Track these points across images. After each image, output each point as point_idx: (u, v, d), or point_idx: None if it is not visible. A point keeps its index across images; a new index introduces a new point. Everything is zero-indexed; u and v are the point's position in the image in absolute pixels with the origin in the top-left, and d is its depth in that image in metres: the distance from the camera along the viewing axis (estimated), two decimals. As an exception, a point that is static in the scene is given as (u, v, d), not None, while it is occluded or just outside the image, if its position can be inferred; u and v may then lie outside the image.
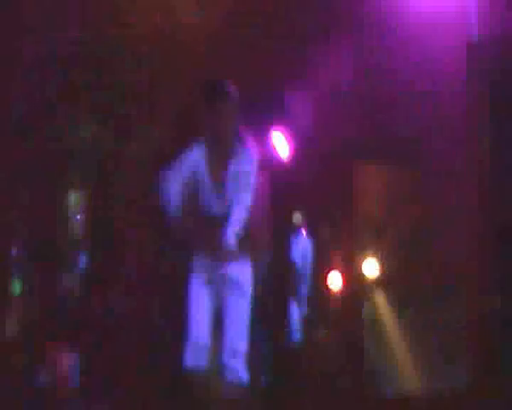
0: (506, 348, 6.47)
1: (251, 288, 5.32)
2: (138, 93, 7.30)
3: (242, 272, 5.30)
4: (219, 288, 5.25)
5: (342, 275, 7.60)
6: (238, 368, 5.15)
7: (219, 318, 5.36)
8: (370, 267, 7.56)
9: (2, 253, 7.10)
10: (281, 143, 7.06)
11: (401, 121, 6.89)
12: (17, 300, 7.60)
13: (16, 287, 7.62)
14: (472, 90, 6.62)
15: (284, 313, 7.51)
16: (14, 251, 7.46)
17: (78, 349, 7.34)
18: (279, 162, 6.53)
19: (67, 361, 7.38)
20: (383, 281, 7.51)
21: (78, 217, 7.89)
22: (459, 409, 6.64)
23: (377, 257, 7.56)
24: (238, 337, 5.20)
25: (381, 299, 7.68)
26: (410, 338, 7.69)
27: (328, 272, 7.91)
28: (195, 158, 5.24)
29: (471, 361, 6.82)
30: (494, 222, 6.59)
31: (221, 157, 5.14)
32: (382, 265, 7.56)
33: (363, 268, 7.55)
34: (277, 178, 6.95)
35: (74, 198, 7.80)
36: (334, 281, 7.87)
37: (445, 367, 7.35)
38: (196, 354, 5.18)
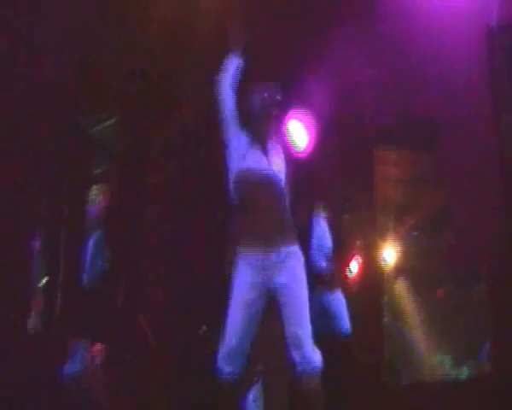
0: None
1: (304, 274, 5.33)
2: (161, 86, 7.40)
3: (295, 259, 5.33)
4: (273, 278, 5.25)
5: (364, 262, 7.65)
6: (311, 356, 5.16)
7: (275, 308, 5.36)
8: (391, 254, 7.64)
9: (23, 247, 7.14)
10: (300, 132, 7.11)
11: (421, 108, 6.95)
12: (39, 293, 7.68)
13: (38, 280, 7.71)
14: (492, 74, 6.68)
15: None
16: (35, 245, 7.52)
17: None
18: (299, 151, 6.57)
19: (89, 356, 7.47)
20: (404, 268, 7.57)
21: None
22: (481, 396, 6.63)
23: (398, 244, 7.63)
24: (303, 325, 5.20)
25: (401, 286, 7.77)
26: (431, 325, 7.75)
27: (350, 260, 7.99)
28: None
29: (493, 348, 6.86)
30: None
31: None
32: (403, 251, 7.63)
33: (384, 255, 7.61)
34: (298, 167, 7.05)
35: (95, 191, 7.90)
36: (356, 268, 7.94)
37: (467, 354, 7.44)
38: (234, 360, 5.22)
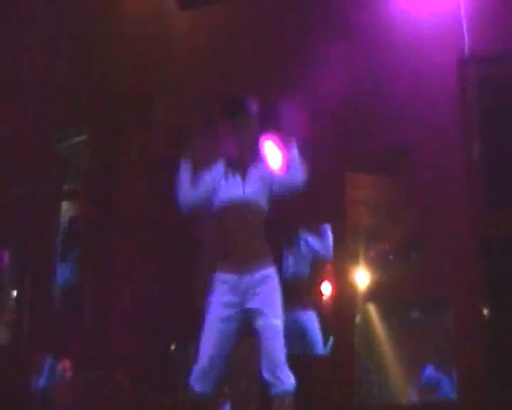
0: (494, 362, 6.57)
1: (280, 296, 5.40)
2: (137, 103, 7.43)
3: (270, 282, 5.38)
4: (246, 302, 5.31)
5: (334, 286, 7.68)
6: (283, 378, 5.22)
7: (251, 329, 5.41)
8: (362, 278, 7.67)
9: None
10: (273, 153, 7.14)
11: (392, 133, 7.01)
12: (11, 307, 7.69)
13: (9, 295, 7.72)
14: (462, 103, 6.76)
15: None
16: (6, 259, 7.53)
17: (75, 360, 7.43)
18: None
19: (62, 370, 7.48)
20: (374, 292, 7.59)
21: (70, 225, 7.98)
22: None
23: (368, 268, 7.66)
24: (277, 348, 5.26)
25: (371, 310, 7.79)
26: (400, 349, 7.77)
27: (320, 283, 8.03)
28: (215, 177, 5.48)
29: (459, 374, 6.90)
30: (483, 235, 6.71)
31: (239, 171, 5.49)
32: (373, 276, 7.65)
33: (354, 279, 7.63)
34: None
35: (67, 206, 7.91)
36: (327, 292, 7.98)
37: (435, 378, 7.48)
38: (205, 379, 5.28)
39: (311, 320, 7.86)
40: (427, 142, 6.89)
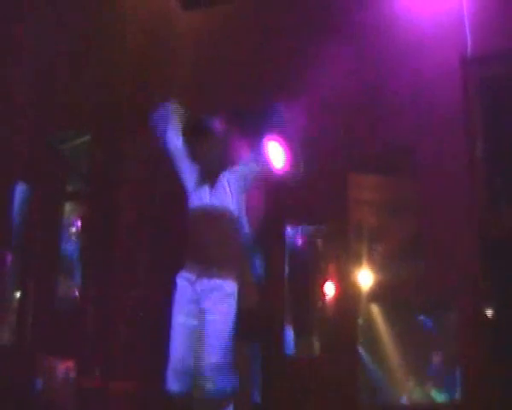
0: (498, 363, 6.55)
1: (233, 307, 5.49)
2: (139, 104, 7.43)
3: (224, 291, 5.48)
4: (201, 301, 5.42)
5: (337, 286, 7.67)
6: (215, 380, 5.29)
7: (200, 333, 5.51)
8: (365, 279, 7.66)
9: None
10: (276, 154, 7.14)
11: (395, 133, 7.00)
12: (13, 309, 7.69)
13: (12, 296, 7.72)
14: (465, 102, 6.76)
15: (279, 325, 7.51)
16: (10, 259, 7.54)
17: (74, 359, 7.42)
18: (274, 173, 6.60)
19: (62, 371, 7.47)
20: (377, 293, 7.58)
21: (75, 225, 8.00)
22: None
23: (371, 269, 7.65)
24: (217, 351, 5.34)
25: (375, 310, 7.80)
26: (403, 350, 7.78)
27: (323, 284, 8.03)
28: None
29: (463, 375, 6.89)
30: (486, 235, 6.70)
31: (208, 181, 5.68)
32: (376, 276, 7.65)
33: (357, 279, 7.62)
34: (272, 189, 7.08)
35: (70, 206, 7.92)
36: (329, 292, 7.97)
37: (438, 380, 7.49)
38: (180, 379, 5.35)
39: None
40: (429, 142, 6.89)
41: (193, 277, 5.47)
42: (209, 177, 5.69)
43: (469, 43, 6.74)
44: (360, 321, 7.62)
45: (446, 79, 6.79)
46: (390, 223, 7.65)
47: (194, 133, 5.81)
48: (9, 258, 7.52)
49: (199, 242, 5.55)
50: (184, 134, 5.86)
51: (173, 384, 5.40)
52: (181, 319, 5.47)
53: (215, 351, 5.36)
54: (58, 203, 7.69)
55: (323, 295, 8.07)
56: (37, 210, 7.44)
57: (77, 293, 7.77)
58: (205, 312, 5.43)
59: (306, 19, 7.35)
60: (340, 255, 7.43)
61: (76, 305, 7.69)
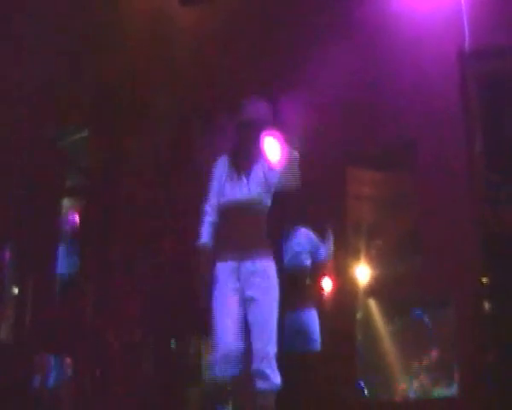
0: (495, 359, 6.56)
1: (277, 289, 5.49)
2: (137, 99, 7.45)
3: (268, 273, 5.47)
4: (245, 289, 5.41)
5: (334, 282, 7.67)
6: (271, 374, 5.28)
7: (246, 321, 5.49)
8: (362, 274, 7.67)
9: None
10: (274, 149, 7.13)
11: (393, 128, 7.01)
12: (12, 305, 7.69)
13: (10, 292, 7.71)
14: (463, 97, 6.76)
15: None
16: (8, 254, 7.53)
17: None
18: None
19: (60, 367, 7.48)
20: (375, 288, 7.59)
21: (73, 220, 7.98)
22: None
23: (369, 264, 7.66)
24: (267, 341, 5.32)
25: (372, 306, 7.79)
26: (401, 346, 7.77)
27: (321, 279, 8.02)
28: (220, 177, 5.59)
29: (461, 372, 6.90)
30: (485, 231, 6.70)
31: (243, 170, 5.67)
32: (374, 272, 7.65)
33: (355, 275, 7.62)
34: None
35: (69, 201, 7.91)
36: (327, 287, 7.97)
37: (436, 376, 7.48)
38: (226, 364, 5.32)
39: (312, 319, 7.81)
40: (428, 137, 6.91)
41: (234, 263, 5.46)
42: (244, 166, 5.67)
43: (467, 37, 6.76)
44: (358, 316, 7.63)
45: (445, 74, 6.81)
46: (388, 218, 7.66)
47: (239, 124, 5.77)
48: (7, 253, 7.51)
49: (237, 229, 5.51)
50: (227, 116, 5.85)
51: (220, 369, 5.39)
52: (225, 306, 5.46)
53: (268, 339, 5.34)
54: (56, 198, 7.69)
55: (321, 290, 8.07)
56: (35, 205, 7.43)
57: (76, 287, 7.77)
58: (252, 299, 5.42)
59: (305, 14, 7.35)
60: (338, 251, 7.44)
61: (75, 300, 7.68)
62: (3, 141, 6.81)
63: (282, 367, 5.37)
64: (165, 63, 7.55)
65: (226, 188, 5.63)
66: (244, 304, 5.46)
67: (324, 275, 8.00)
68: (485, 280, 6.76)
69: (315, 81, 7.01)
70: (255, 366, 5.29)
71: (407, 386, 7.87)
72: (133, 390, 7.09)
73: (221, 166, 5.71)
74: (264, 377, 5.25)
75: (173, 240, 7.37)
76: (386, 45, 6.98)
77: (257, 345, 5.30)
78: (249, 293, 5.42)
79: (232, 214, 5.57)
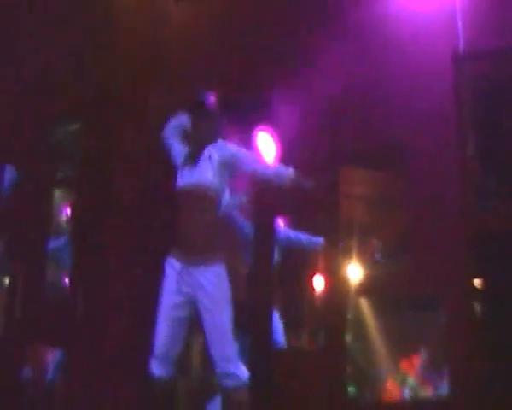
0: (486, 360, 6.57)
1: (228, 294, 5.49)
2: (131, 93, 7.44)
3: (218, 276, 5.47)
4: (195, 294, 5.40)
5: (326, 280, 7.68)
6: (236, 372, 5.31)
7: (197, 324, 5.52)
8: (354, 273, 7.68)
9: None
10: (267, 145, 7.14)
11: (386, 129, 7.01)
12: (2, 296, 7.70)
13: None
14: (456, 100, 6.77)
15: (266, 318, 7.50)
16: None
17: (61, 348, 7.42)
18: (264, 164, 6.58)
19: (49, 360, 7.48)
20: (366, 287, 7.59)
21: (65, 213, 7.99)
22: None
23: (361, 263, 7.67)
24: (225, 344, 5.34)
25: (364, 305, 7.82)
26: (392, 345, 7.80)
27: (312, 277, 8.04)
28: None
29: (451, 373, 6.91)
30: (476, 232, 6.71)
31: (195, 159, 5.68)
32: (366, 271, 7.67)
33: (347, 273, 7.63)
34: (262, 181, 7.07)
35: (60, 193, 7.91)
36: (318, 285, 7.99)
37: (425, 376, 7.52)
38: (162, 363, 5.36)
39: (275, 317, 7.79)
40: (420, 138, 6.90)
41: (182, 264, 5.45)
42: (194, 154, 5.69)
43: (461, 40, 6.76)
44: (348, 315, 7.65)
45: (438, 76, 6.80)
46: (379, 218, 7.68)
47: (192, 107, 5.81)
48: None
49: (183, 224, 5.54)
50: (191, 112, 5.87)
51: (156, 368, 5.46)
52: (167, 307, 5.47)
53: (227, 342, 5.36)
54: (48, 190, 7.69)
55: (312, 288, 8.09)
56: (26, 197, 7.43)
57: (67, 281, 7.78)
58: (203, 303, 5.41)
59: (301, 15, 7.34)
60: (329, 249, 7.44)
61: (66, 293, 7.69)
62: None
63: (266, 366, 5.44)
64: (159, 60, 7.55)
65: (179, 174, 5.70)
66: (192, 306, 5.47)
67: (316, 272, 8.04)
68: (476, 280, 6.77)
69: (308, 82, 7.01)
70: (219, 368, 5.35)
71: (397, 386, 7.91)
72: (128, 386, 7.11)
73: (180, 153, 5.77)
74: (231, 376, 5.31)
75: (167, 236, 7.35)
76: (378, 47, 6.97)
77: (216, 349, 5.37)
78: (200, 299, 5.42)
79: (180, 205, 5.60)
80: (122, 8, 7.46)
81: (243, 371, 5.39)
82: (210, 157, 5.59)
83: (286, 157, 6.90)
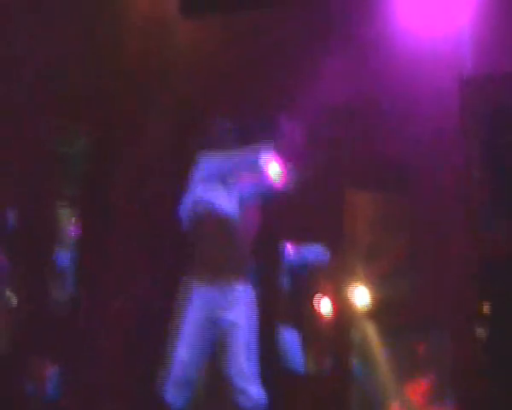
0: (492, 384, 6.54)
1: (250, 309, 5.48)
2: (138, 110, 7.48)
3: (249, 297, 5.47)
4: (220, 313, 5.38)
5: (332, 302, 7.67)
6: (253, 391, 5.28)
7: (220, 341, 5.48)
8: (360, 295, 7.67)
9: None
10: (273, 168, 7.15)
11: (392, 150, 7.02)
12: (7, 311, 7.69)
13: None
14: (462, 123, 6.78)
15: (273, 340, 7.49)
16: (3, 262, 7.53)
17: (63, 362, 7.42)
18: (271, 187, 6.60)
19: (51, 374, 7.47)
20: (372, 310, 7.59)
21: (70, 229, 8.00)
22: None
23: (367, 285, 7.66)
24: (249, 362, 5.31)
25: (369, 327, 7.80)
26: (397, 369, 7.77)
27: (318, 299, 8.03)
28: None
29: (457, 396, 6.88)
30: (482, 254, 6.69)
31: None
32: (372, 293, 7.66)
33: (353, 295, 7.63)
34: (268, 203, 7.08)
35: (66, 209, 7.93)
36: (324, 308, 7.97)
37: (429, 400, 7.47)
38: (180, 389, 5.32)
39: (293, 338, 7.78)
40: (426, 160, 6.90)
41: (202, 288, 5.44)
42: (217, 180, 5.72)
43: (468, 62, 6.78)
44: (353, 338, 7.63)
45: (444, 97, 6.82)
46: (385, 241, 7.67)
47: (210, 133, 5.86)
48: (3, 261, 7.52)
49: (205, 248, 5.54)
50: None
51: (171, 393, 5.39)
52: (190, 331, 5.43)
53: (248, 360, 5.34)
54: (54, 206, 7.71)
55: (318, 311, 8.07)
56: (32, 213, 7.45)
57: (72, 298, 7.78)
58: (226, 321, 5.41)
59: (307, 34, 7.38)
60: (334, 272, 7.44)
61: (71, 310, 7.68)
62: (4, 144, 6.85)
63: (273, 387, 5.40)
64: (165, 77, 7.59)
65: (207, 192, 5.67)
66: (213, 331, 5.45)
67: (322, 295, 8.02)
68: (481, 304, 6.75)
69: (313, 102, 7.03)
70: (236, 385, 5.29)
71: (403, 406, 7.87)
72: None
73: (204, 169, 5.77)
74: (248, 396, 5.27)
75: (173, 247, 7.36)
76: (384, 68, 7.00)
77: (238, 366, 5.31)
78: (226, 317, 5.41)
79: (207, 228, 5.62)
80: (129, 25, 7.52)
81: (260, 394, 5.36)
82: (231, 185, 5.68)
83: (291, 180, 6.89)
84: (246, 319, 5.41)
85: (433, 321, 7.17)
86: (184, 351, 5.36)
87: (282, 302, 7.80)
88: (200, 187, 5.64)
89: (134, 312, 7.26)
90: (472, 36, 6.80)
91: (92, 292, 7.37)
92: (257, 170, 5.68)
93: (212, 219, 5.56)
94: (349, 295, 7.54)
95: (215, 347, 5.47)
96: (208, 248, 5.52)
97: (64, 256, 7.77)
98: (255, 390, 5.29)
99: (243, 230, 5.96)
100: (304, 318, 8.06)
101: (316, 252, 7.81)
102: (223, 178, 5.66)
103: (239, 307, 5.40)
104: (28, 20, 6.80)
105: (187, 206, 5.66)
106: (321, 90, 6.94)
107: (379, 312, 7.53)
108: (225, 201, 5.62)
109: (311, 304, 8.02)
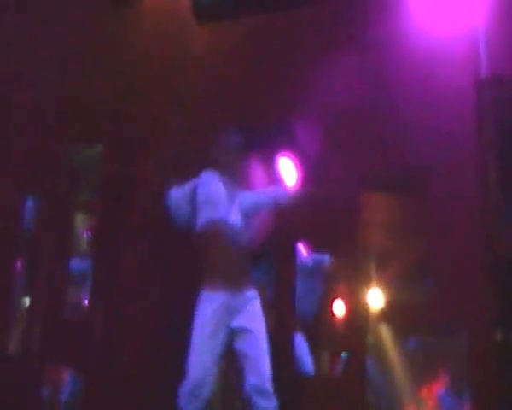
0: (508, 386, 6.52)
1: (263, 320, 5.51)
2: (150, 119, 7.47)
3: (259, 303, 5.50)
4: (237, 321, 5.39)
5: (346, 304, 7.66)
6: (266, 398, 5.28)
7: (234, 352, 5.49)
8: (375, 297, 7.67)
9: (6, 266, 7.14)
10: (288, 171, 7.16)
11: (407, 154, 7.00)
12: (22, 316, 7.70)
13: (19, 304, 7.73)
14: (479, 125, 6.75)
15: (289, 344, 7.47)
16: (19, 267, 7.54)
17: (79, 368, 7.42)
18: (285, 191, 6.58)
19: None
20: (387, 313, 7.58)
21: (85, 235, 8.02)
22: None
23: (381, 289, 7.66)
24: (264, 374, 5.32)
25: (384, 331, 7.80)
26: (412, 372, 7.77)
27: (332, 302, 8.03)
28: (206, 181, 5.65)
29: (473, 398, 6.85)
30: (498, 257, 6.67)
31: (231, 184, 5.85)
32: (386, 297, 7.66)
33: (367, 298, 7.62)
34: (284, 206, 7.08)
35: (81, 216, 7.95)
36: (339, 310, 7.98)
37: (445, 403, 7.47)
38: (195, 398, 5.31)
39: (301, 341, 7.76)
40: (441, 163, 6.88)
41: (223, 295, 5.45)
42: (232, 192, 5.74)
43: (484, 64, 6.75)
44: (369, 341, 7.62)
45: (460, 100, 6.79)
46: (400, 244, 7.65)
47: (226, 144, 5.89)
48: (19, 266, 7.53)
49: (218, 258, 5.56)
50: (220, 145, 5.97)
51: (188, 405, 5.37)
52: (206, 340, 5.41)
53: (264, 364, 5.35)
54: (69, 213, 7.70)
55: (333, 314, 8.07)
56: (47, 219, 7.45)
57: (87, 303, 7.79)
58: (242, 329, 5.42)
59: (321, 37, 7.36)
60: (349, 275, 7.42)
61: (86, 316, 7.69)
62: (16, 155, 6.84)
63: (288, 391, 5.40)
64: (181, 82, 7.57)
65: (219, 207, 5.72)
66: (226, 338, 5.46)
67: (336, 297, 8.01)
68: (498, 306, 6.73)
69: (328, 106, 7.01)
70: (252, 391, 5.30)
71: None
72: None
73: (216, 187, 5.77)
74: (262, 400, 5.28)
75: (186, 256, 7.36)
76: (400, 71, 6.98)
77: (253, 379, 5.32)
78: (242, 324, 5.42)
79: (219, 240, 5.63)
80: (142, 32, 7.50)
81: (273, 399, 5.36)
82: (239, 200, 5.73)
83: (307, 182, 6.89)
84: (259, 324, 5.44)
85: (448, 323, 7.16)
86: (200, 361, 5.36)
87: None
88: (214, 202, 5.71)
89: (149, 319, 7.24)
90: (488, 37, 6.77)
91: (106, 298, 7.36)
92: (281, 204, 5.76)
93: (225, 233, 5.61)
94: (363, 297, 7.51)
95: (230, 355, 5.50)
96: (221, 257, 5.56)
97: (80, 262, 7.80)
98: (269, 396, 5.31)
99: (254, 236, 6.02)
100: (318, 320, 8.06)
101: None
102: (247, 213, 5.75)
103: (251, 313, 5.44)
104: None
105: (201, 219, 5.70)
106: (336, 93, 6.93)
107: (393, 314, 7.52)
108: (238, 215, 5.68)
109: (326, 306, 8.04)
